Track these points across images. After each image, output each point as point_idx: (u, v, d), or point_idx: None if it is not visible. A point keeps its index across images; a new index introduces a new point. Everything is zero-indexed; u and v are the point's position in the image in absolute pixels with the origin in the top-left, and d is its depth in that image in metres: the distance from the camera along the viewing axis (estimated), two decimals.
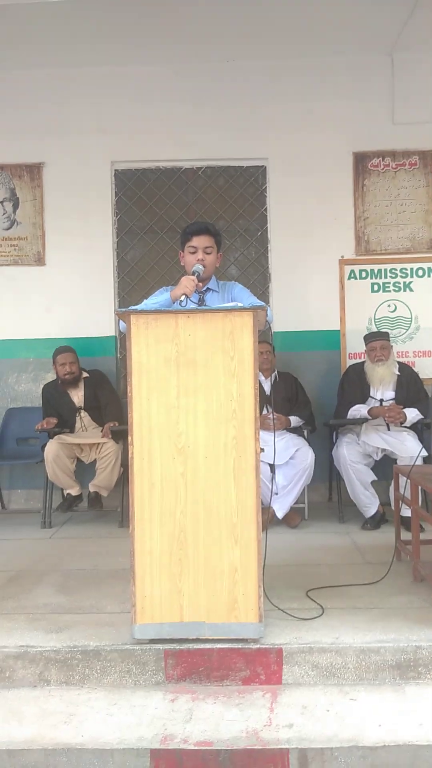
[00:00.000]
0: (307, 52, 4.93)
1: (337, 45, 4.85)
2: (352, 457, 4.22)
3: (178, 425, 2.49)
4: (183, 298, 2.74)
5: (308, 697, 2.38)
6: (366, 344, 4.53)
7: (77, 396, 4.76)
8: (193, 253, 3.01)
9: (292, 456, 4.27)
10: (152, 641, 2.49)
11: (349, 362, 4.96)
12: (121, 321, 2.69)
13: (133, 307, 2.66)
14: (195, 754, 2.11)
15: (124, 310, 2.56)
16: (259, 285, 5.18)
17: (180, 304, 2.72)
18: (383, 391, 4.44)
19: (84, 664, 2.50)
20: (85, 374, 4.82)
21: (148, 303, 2.90)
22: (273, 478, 4.17)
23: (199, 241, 3.00)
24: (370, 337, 4.54)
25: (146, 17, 4.40)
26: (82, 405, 4.74)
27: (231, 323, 2.49)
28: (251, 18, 4.46)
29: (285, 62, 5.02)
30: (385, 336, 4.53)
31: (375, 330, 4.99)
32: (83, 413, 4.73)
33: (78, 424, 4.72)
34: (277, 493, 4.24)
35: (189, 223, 3.20)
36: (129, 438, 2.50)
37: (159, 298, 2.93)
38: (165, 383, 2.49)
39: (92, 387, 4.78)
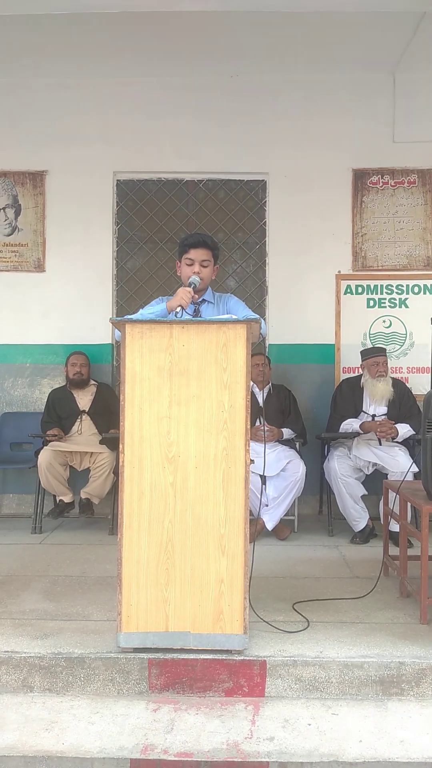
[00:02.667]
0: (310, 70, 5.00)
1: (340, 63, 4.93)
2: (343, 470, 4.24)
3: (169, 435, 2.50)
4: (179, 309, 2.77)
5: (290, 711, 2.38)
6: (365, 359, 4.54)
7: (84, 399, 4.80)
8: (190, 265, 3.03)
9: (284, 468, 4.28)
10: (137, 650, 2.50)
11: (343, 376, 4.99)
12: (116, 329, 2.72)
13: (129, 317, 2.68)
14: (175, 765, 2.11)
15: (119, 318, 2.59)
16: (256, 297, 5.21)
17: (175, 315, 2.74)
18: (376, 406, 4.47)
19: (68, 672, 2.50)
20: (93, 382, 4.87)
21: (144, 313, 2.93)
22: (264, 490, 4.18)
23: (197, 254, 3.02)
24: (372, 352, 4.56)
25: (151, 31, 4.46)
26: (87, 409, 4.76)
27: (225, 335, 2.51)
28: (255, 35, 4.52)
29: (288, 78, 5.08)
30: (385, 352, 4.56)
31: (370, 345, 5.02)
32: (85, 417, 4.75)
33: (76, 427, 4.73)
34: (267, 505, 4.25)
35: (187, 235, 3.22)
36: (120, 446, 2.52)
37: (155, 308, 2.95)
38: (157, 393, 2.51)
39: (102, 394, 4.84)
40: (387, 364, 4.49)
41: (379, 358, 4.47)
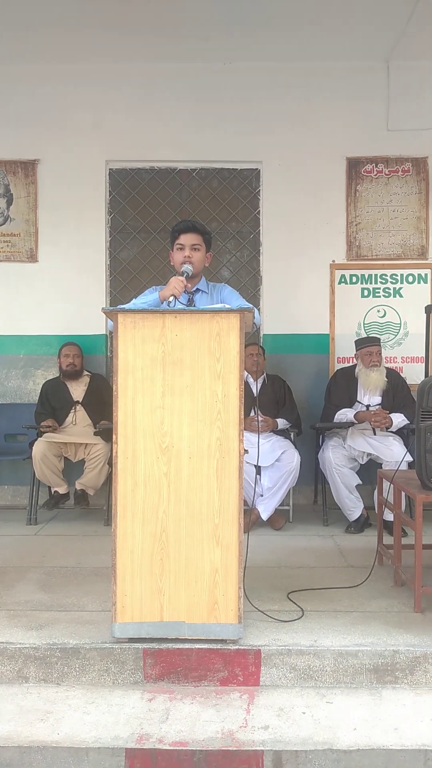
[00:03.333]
0: (305, 57, 4.96)
1: (334, 51, 4.89)
2: (338, 460, 4.25)
3: (163, 425, 2.49)
4: (171, 298, 2.75)
5: (285, 699, 2.39)
6: (359, 348, 4.55)
7: (77, 390, 4.78)
8: (181, 249, 3.03)
9: (278, 458, 4.28)
10: (131, 640, 2.50)
11: (338, 366, 4.99)
12: (109, 320, 2.70)
13: (121, 306, 2.66)
14: (170, 754, 2.11)
15: (111, 309, 2.57)
16: (251, 287, 5.19)
17: (168, 305, 2.73)
18: (370, 396, 4.47)
19: (63, 662, 2.50)
20: (86, 372, 4.86)
21: (137, 302, 2.90)
22: (258, 480, 4.18)
23: (186, 239, 3.03)
24: (365, 342, 4.56)
25: (145, 16, 4.41)
26: (80, 399, 4.75)
27: (218, 325, 2.50)
28: (250, 21, 4.48)
29: (282, 66, 5.04)
30: (379, 341, 4.56)
31: (364, 335, 5.02)
32: (79, 407, 4.74)
33: (70, 418, 4.72)
34: (262, 495, 4.25)
35: (177, 222, 3.23)
36: (113, 437, 2.51)
37: (148, 297, 2.93)
38: (150, 383, 2.50)
39: (96, 385, 4.82)
40: (381, 353, 4.49)
41: (372, 347, 4.47)
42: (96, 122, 5.08)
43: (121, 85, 5.08)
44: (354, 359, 4.67)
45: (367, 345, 4.50)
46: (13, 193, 5.15)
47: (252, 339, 4.67)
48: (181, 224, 3.11)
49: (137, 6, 4.26)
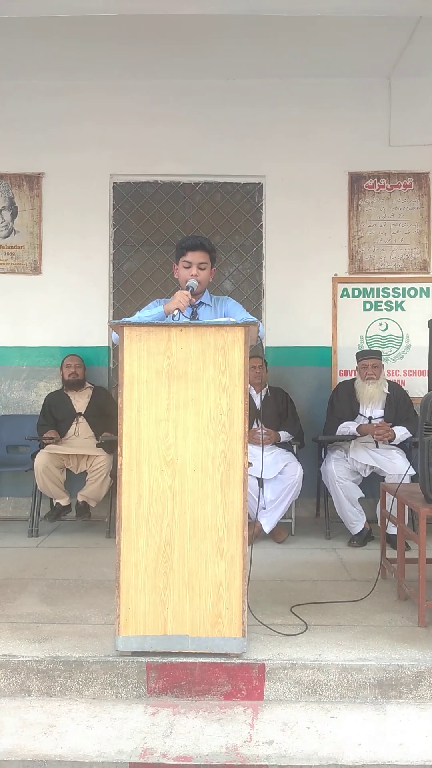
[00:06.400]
0: (307, 73, 5.02)
1: (336, 67, 4.94)
2: (341, 473, 4.24)
3: (168, 438, 2.50)
4: (176, 312, 2.77)
5: (289, 714, 2.38)
6: (358, 361, 4.57)
7: (80, 402, 4.80)
8: (188, 267, 3.03)
9: (281, 471, 4.28)
10: (135, 654, 2.49)
11: (340, 379, 5.00)
12: (114, 332, 2.71)
13: (126, 319, 2.68)
14: None
15: (117, 321, 2.58)
16: (253, 300, 5.22)
17: (173, 318, 2.74)
18: (372, 408, 4.48)
19: (66, 675, 2.49)
20: (89, 385, 4.87)
21: (142, 315, 2.92)
22: (261, 493, 4.18)
23: (194, 257, 3.02)
24: (362, 355, 4.58)
25: (148, 34, 4.46)
26: (83, 411, 4.76)
27: (223, 338, 2.51)
28: (252, 38, 4.54)
29: (284, 82, 5.10)
30: (377, 355, 4.57)
31: (366, 348, 5.03)
32: (81, 419, 4.74)
33: (72, 430, 4.72)
34: (264, 508, 4.25)
35: (184, 237, 3.22)
36: (118, 449, 2.52)
37: (152, 311, 2.94)
38: (156, 396, 2.51)
39: (98, 397, 4.84)
40: (379, 367, 4.50)
41: (368, 360, 4.49)
42: (100, 136, 5.13)
43: (126, 100, 5.14)
44: (356, 372, 4.69)
45: (363, 358, 4.53)
46: (18, 206, 5.19)
47: (255, 351, 4.68)
48: (189, 241, 3.07)
49: (141, 22, 4.31)
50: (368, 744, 2.20)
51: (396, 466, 4.18)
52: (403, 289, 5.14)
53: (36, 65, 4.91)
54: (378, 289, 5.14)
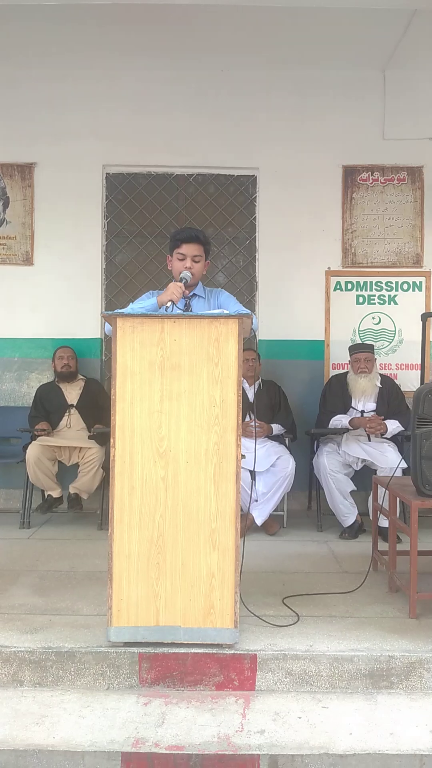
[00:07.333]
0: (301, 66, 5.00)
1: (331, 60, 4.93)
2: (333, 466, 4.26)
3: (161, 429, 2.50)
4: (169, 303, 2.76)
5: (281, 704, 2.39)
6: (350, 355, 4.58)
7: (72, 394, 4.78)
8: (182, 260, 3.02)
9: (273, 463, 4.29)
10: (127, 644, 2.49)
11: (332, 372, 5.01)
12: (107, 323, 2.71)
13: (120, 311, 2.67)
14: (166, 758, 2.11)
15: (110, 312, 2.57)
16: (246, 293, 5.21)
17: (166, 310, 2.73)
18: (364, 402, 4.49)
19: (58, 666, 2.49)
20: (81, 376, 4.86)
21: (135, 307, 2.91)
22: (253, 485, 4.19)
23: (189, 249, 3.01)
24: (355, 348, 4.59)
25: (142, 24, 4.43)
26: (75, 403, 4.74)
27: (216, 330, 2.51)
28: (247, 30, 4.51)
29: (279, 74, 5.08)
30: (370, 348, 4.58)
31: (359, 341, 5.04)
32: (73, 411, 4.73)
33: (64, 422, 4.71)
34: (256, 500, 4.26)
35: (179, 229, 3.21)
36: (111, 440, 2.51)
37: (145, 302, 2.93)
38: (149, 387, 2.50)
39: (90, 388, 4.83)
40: (372, 360, 4.51)
41: (359, 354, 4.50)
42: (93, 127, 5.09)
43: (119, 89, 5.10)
44: (348, 366, 4.70)
45: (355, 352, 4.54)
46: (10, 196, 5.15)
47: (248, 344, 4.68)
48: (184, 233, 3.05)
49: (134, 16, 4.28)
50: (359, 733, 2.22)
51: (388, 459, 4.19)
52: (396, 282, 5.15)
53: (29, 54, 4.87)
54: (371, 282, 5.14)
